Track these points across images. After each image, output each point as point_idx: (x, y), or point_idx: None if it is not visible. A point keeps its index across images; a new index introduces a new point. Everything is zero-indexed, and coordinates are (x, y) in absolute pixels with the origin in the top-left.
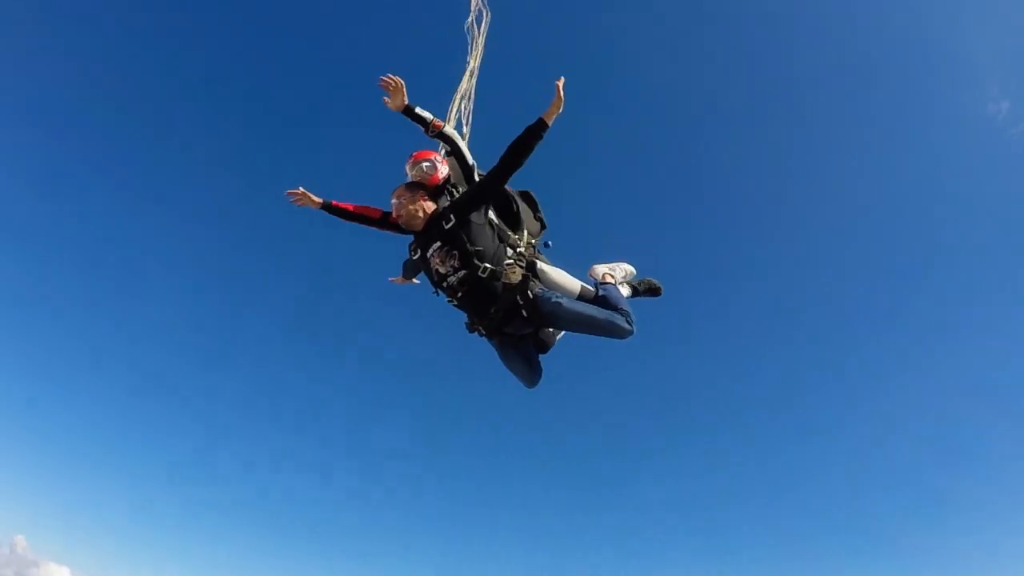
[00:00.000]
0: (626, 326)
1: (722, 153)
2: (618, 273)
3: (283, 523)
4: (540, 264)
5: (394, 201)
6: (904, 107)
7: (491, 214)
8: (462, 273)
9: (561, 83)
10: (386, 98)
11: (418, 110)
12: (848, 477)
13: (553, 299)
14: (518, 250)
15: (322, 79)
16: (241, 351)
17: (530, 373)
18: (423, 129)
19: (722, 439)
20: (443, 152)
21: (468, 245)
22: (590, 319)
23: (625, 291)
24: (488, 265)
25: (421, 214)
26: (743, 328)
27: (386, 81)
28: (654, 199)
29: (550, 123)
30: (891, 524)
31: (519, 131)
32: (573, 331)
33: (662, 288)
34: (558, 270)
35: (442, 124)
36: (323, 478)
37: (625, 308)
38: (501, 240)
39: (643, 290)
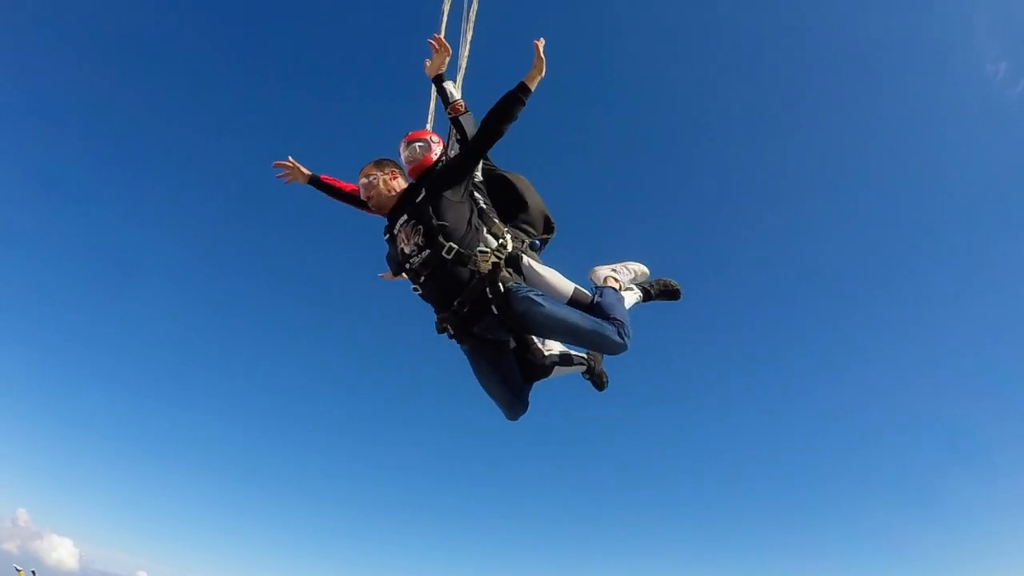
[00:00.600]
0: (616, 339)
1: (713, 116)
2: (623, 276)
3: (283, 505)
4: (527, 260)
5: (363, 181)
6: (900, 71)
7: (477, 195)
8: (426, 253)
9: (541, 44)
10: (428, 60)
11: (447, 84)
12: (846, 477)
13: (530, 296)
14: (500, 241)
15: (310, 66)
16: (243, 340)
17: (509, 398)
18: (444, 106)
19: (721, 439)
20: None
21: (433, 219)
22: (573, 326)
23: (633, 296)
24: (454, 245)
25: (392, 193)
26: (743, 326)
27: (437, 41)
28: (644, 192)
29: (532, 87)
30: (890, 523)
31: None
32: (553, 339)
33: (680, 290)
34: (550, 270)
35: (462, 108)
36: (322, 460)
37: (620, 318)
38: (482, 224)
39: (656, 292)
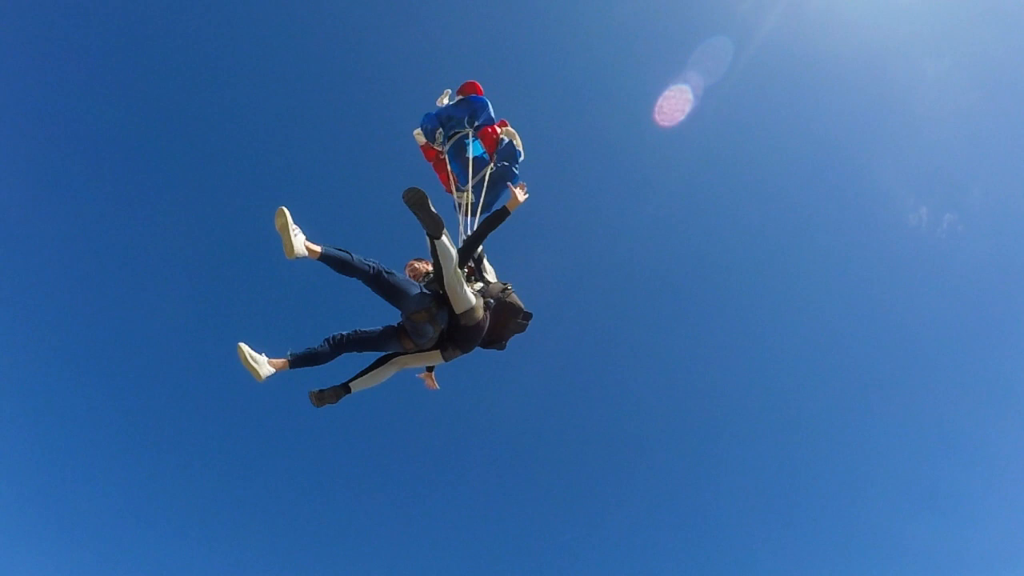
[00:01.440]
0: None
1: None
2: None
3: (275, 514)
4: (472, 281)
5: (411, 270)
6: (828, 254)
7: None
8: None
9: (518, 191)
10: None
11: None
12: (847, 477)
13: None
14: (470, 282)
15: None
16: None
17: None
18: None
19: (718, 439)
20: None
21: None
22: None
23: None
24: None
25: (425, 270)
26: (738, 326)
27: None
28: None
29: (511, 211)
30: (890, 524)
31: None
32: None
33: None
34: (470, 290)
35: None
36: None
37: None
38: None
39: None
